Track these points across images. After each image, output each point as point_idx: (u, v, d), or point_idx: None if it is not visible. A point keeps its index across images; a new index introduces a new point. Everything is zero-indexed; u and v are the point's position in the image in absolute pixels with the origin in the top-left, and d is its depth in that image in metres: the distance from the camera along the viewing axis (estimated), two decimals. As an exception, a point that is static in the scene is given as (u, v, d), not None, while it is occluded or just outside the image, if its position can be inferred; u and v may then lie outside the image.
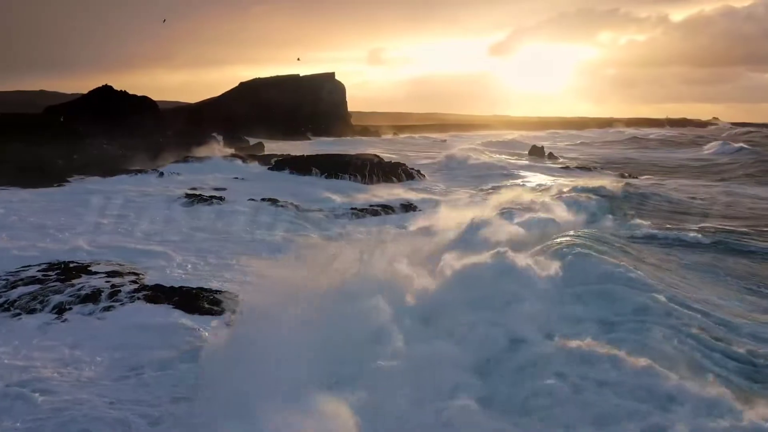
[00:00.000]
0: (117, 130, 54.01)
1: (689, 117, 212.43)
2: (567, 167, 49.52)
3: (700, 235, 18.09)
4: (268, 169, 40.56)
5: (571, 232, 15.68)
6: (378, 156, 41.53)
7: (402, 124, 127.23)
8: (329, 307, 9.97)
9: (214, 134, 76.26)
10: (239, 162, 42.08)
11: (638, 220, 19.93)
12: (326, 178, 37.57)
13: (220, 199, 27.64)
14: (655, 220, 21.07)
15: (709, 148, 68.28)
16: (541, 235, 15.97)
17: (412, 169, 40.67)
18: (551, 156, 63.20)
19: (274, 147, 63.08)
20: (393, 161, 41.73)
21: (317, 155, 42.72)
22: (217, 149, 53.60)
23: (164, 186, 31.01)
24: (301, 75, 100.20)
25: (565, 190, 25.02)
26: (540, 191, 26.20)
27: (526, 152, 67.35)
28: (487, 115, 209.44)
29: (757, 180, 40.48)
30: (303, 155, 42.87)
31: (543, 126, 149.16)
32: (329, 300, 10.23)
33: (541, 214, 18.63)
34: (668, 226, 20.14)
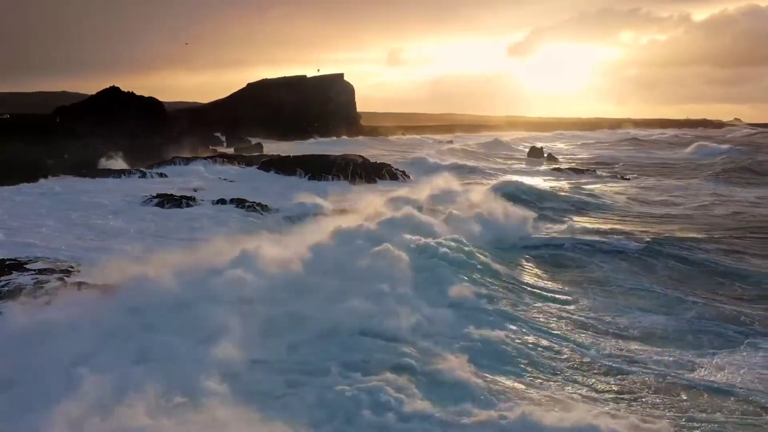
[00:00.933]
0: (118, 131, 54.55)
1: (710, 118, 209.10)
2: (558, 168, 49.04)
3: (632, 243, 17.77)
4: (257, 169, 40.73)
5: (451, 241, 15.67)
6: (362, 157, 41.47)
7: (415, 125, 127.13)
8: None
9: (218, 134, 77.27)
10: (228, 162, 42.26)
11: (561, 226, 19.62)
12: (309, 179, 37.69)
13: (191, 199, 27.72)
14: (597, 225, 20.75)
15: (691, 150, 67.93)
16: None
17: (397, 170, 40.56)
18: (550, 157, 62.72)
19: (275, 147, 63.27)
20: (378, 162, 41.69)
21: (304, 156, 42.79)
22: (211, 150, 53.85)
23: (141, 186, 31.10)
24: (308, 76, 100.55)
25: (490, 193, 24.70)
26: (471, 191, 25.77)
27: (526, 153, 67.11)
28: (502, 115, 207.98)
29: (721, 179, 40.66)
30: (289, 156, 42.96)
31: (558, 127, 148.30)
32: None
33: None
34: (605, 229, 19.81)
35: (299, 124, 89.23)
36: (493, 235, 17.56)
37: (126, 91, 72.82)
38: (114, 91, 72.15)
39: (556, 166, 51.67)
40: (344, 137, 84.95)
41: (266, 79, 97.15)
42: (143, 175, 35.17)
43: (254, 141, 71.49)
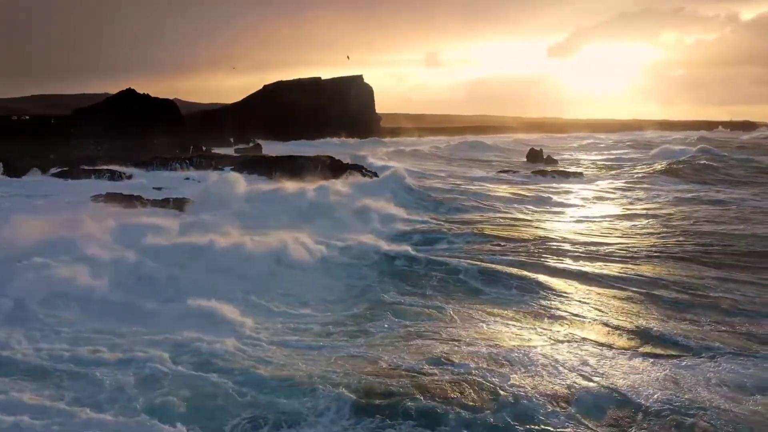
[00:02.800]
0: (119, 132, 55.79)
1: (753, 119, 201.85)
2: (543, 171, 47.92)
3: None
4: (231, 170, 41.10)
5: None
6: (331, 157, 41.43)
7: (447, 126, 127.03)
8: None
9: (227, 136, 78.22)
10: (206, 163, 42.72)
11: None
12: (275, 179, 37.84)
13: (138, 198, 28.25)
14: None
15: (660, 150, 66.50)
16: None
17: (368, 171, 40.39)
18: (549, 159, 61.53)
19: (272, 148, 63.65)
20: (350, 163, 41.60)
21: (277, 157, 43.06)
22: (200, 150, 54.44)
23: (101, 186, 31.70)
24: (322, 78, 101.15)
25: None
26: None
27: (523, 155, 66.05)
28: (536, 117, 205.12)
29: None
30: (263, 157, 43.28)
31: (590, 128, 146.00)
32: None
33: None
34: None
35: (312, 125, 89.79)
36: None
37: (141, 93, 74.88)
38: (129, 92, 74.02)
39: (543, 168, 50.54)
40: (345, 139, 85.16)
41: (281, 81, 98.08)
42: (112, 175, 35.82)
43: (262, 142, 72.13)
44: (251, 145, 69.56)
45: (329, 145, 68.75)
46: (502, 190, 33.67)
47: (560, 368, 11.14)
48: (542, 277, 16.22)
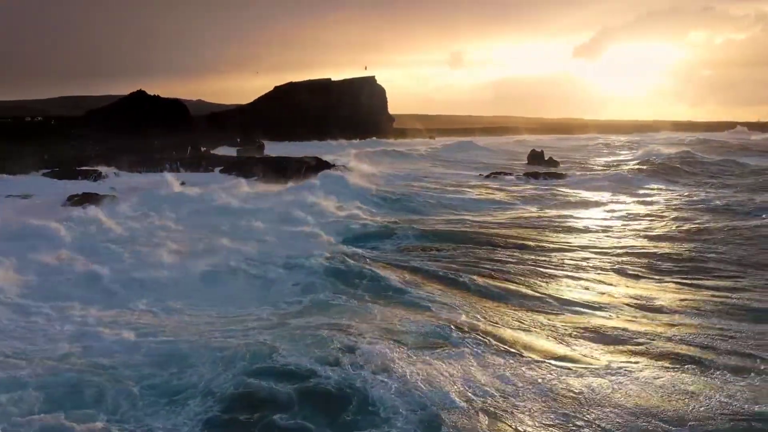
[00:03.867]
0: (122, 133, 56.04)
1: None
2: (536, 173, 46.98)
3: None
4: (220, 171, 41.04)
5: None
6: (317, 158, 41.17)
7: (463, 127, 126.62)
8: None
9: (234, 136, 78.33)
10: (195, 164, 42.68)
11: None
12: (264, 181, 37.67)
13: (113, 197, 28.26)
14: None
15: (645, 151, 65.38)
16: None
17: (347, 170, 40.04)
18: (551, 161, 60.39)
19: (281, 149, 63.44)
20: (338, 164, 41.31)
21: (265, 158, 42.91)
22: (191, 151, 54.43)
23: (86, 186, 31.83)
24: (333, 79, 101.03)
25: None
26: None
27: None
28: (558, 117, 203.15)
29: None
30: (253, 158, 43.12)
31: (607, 129, 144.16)
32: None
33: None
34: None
35: (321, 126, 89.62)
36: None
37: (152, 94, 75.44)
38: (140, 94, 74.62)
39: (536, 170, 49.49)
40: (348, 141, 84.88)
41: (292, 82, 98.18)
42: (98, 176, 35.92)
43: (266, 143, 72.10)
44: (256, 146, 69.51)
45: (328, 147, 68.46)
46: (479, 192, 32.91)
47: (447, 377, 10.46)
48: (473, 282, 15.60)
